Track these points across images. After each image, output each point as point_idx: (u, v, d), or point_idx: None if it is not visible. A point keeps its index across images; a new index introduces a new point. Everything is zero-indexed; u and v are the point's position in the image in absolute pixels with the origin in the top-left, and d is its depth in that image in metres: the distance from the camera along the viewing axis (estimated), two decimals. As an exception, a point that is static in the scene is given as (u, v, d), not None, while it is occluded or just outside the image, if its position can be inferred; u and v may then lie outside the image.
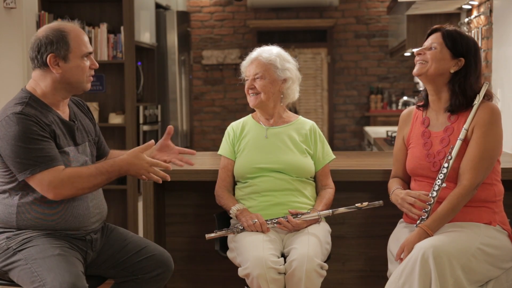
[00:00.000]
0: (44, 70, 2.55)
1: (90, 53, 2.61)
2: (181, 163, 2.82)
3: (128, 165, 2.55)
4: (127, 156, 2.55)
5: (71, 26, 2.58)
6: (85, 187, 2.50)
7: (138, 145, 5.47)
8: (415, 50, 2.85)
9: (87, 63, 2.59)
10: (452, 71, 2.70)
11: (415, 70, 2.77)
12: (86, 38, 2.60)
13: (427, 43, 2.77)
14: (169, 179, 2.61)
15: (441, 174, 2.63)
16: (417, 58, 2.76)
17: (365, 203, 2.86)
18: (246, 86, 3.03)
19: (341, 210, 2.90)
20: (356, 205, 2.88)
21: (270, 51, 3.02)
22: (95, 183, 2.52)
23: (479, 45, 4.36)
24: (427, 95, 2.82)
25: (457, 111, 2.71)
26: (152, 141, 2.63)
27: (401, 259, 2.57)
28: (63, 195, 2.47)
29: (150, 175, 2.57)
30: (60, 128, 2.56)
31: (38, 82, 2.56)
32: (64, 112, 2.62)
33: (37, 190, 2.47)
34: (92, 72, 2.63)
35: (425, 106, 2.83)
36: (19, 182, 2.49)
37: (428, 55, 2.72)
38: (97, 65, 2.64)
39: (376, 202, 2.86)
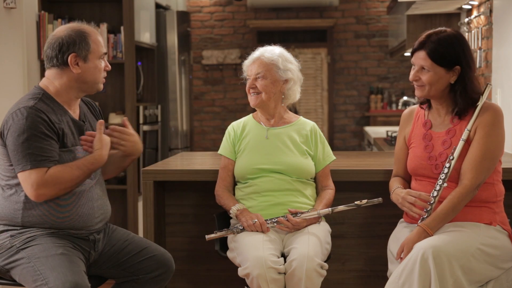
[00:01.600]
0: (61, 69, 2.58)
1: (105, 53, 2.66)
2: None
3: (99, 155, 2.58)
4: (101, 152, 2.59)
5: (90, 28, 2.64)
6: (68, 187, 2.53)
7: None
8: (409, 56, 2.77)
9: (103, 64, 2.64)
10: (452, 81, 2.67)
11: (417, 93, 2.72)
12: (102, 39, 2.66)
13: (416, 64, 2.68)
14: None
15: (442, 174, 2.63)
16: (414, 82, 2.70)
17: (364, 201, 2.86)
18: (247, 85, 3.03)
19: (341, 208, 2.90)
20: (356, 202, 2.88)
21: (273, 51, 3.02)
22: (77, 181, 2.54)
23: (479, 45, 4.37)
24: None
25: (464, 113, 2.69)
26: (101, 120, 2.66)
27: (401, 258, 2.57)
28: (45, 196, 2.49)
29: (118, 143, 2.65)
30: (70, 127, 2.59)
31: (53, 81, 2.60)
32: (74, 111, 2.65)
33: (23, 187, 2.49)
34: (105, 74, 2.68)
35: (428, 105, 2.82)
36: None
37: (423, 79, 2.66)
38: (110, 66, 2.70)
39: (375, 199, 2.86)
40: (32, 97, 2.53)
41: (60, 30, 2.62)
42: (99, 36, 2.64)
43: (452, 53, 2.64)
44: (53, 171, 2.49)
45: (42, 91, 2.58)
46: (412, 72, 2.71)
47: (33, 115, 2.46)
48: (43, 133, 2.47)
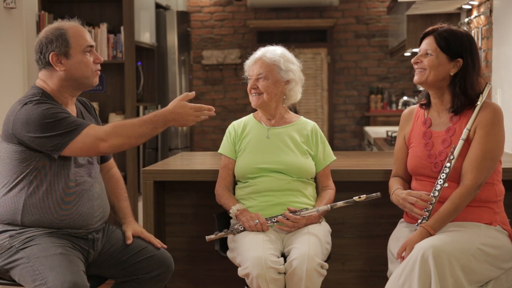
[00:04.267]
0: (49, 69, 2.58)
1: (91, 46, 2.62)
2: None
3: (173, 114, 2.52)
4: (169, 107, 2.53)
5: (70, 24, 2.62)
6: (131, 136, 2.49)
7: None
8: (414, 50, 2.83)
9: (91, 58, 2.61)
10: (452, 73, 2.69)
11: (415, 78, 2.75)
12: (86, 33, 2.62)
13: (421, 49, 2.74)
14: (214, 112, 2.61)
15: (443, 174, 2.63)
16: (415, 66, 2.75)
17: (363, 196, 2.86)
18: (248, 86, 3.02)
19: (340, 204, 2.90)
20: (354, 198, 2.87)
21: (274, 52, 3.02)
22: (140, 132, 2.50)
23: (479, 45, 4.37)
24: (428, 94, 2.82)
25: (460, 111, 2.70)
26: (193, 92, 2.61)
27: (402, 258, 2.57)
28: (113, 146, 2.47)
29: (199, 118, 2.57)
30: None
31: (46, 82, 2.60)
32: (71, 111, 2.64)
33: (83, 151, 2.48)
34: (98, 67, 2.65)
35: (427, 105, 2.83)
36: (29, 175, 2.50)
37: (425, 62, 2.70)
38: (101, 59, 2.67)
39: (374, 194, 2.86)
40: (33, 96, 2.53)
41: (41, 32, 2.63)
42: (81, 30, 2.60)
43: (458, 44, 2.68)
44: (112, 123, 2.51)
45: (41, 90, 2.57)
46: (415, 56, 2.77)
47: (44, 102, 2.47)
48: (62, 110, 2.49)
